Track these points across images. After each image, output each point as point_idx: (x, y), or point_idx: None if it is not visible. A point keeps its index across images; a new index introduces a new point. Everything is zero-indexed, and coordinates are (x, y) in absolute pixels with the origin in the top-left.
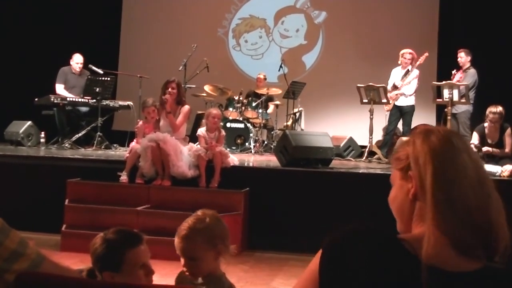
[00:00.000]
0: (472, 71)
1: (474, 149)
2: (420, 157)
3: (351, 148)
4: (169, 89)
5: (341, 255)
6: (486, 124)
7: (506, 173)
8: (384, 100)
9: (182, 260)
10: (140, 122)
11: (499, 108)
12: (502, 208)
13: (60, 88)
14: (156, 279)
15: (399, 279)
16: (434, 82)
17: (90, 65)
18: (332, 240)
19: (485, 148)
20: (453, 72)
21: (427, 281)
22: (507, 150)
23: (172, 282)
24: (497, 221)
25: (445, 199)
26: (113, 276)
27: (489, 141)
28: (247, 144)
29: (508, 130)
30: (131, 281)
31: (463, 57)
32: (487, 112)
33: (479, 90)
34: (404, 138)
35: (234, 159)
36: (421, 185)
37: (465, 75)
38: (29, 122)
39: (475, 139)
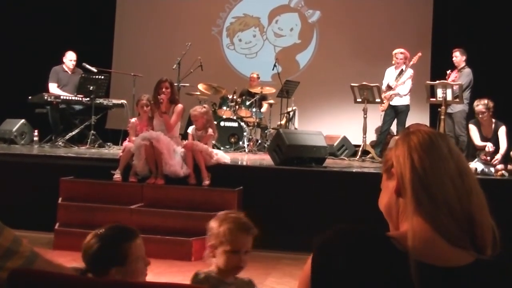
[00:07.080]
0: (467, 70)
1: (485, 153)
2: (400, 155)
3: (345, 147)
4: (163, 89)
5: (331, 254)
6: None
7: (499, 173)
8: (378, 100)
9: (235, 256)
10: (132, 120)
11: (484, 100)
12: (485, 202)
13: (53, 87)
14: (150, 278)
15: (389, 276)
16: (427, 82)
17: (83, 63)
18: (322, 240)
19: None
20: (448, 72)
21: (416, 277)
22: (502, 151)
23: (166, 280)
24: (480, 214)
25: (424, 191)
26: (118, 272)
27: (484, 135)
28: (241, 143)
29: (503, 128)
30: (134, 275)
31: (458, 57)
32: (473, 105)
33: (475, 89)
34: (397, 137)
35: (226, 157)
36: (402, 180)
37: (460, 75)
38: (23, 120)
39: (474, 132)
